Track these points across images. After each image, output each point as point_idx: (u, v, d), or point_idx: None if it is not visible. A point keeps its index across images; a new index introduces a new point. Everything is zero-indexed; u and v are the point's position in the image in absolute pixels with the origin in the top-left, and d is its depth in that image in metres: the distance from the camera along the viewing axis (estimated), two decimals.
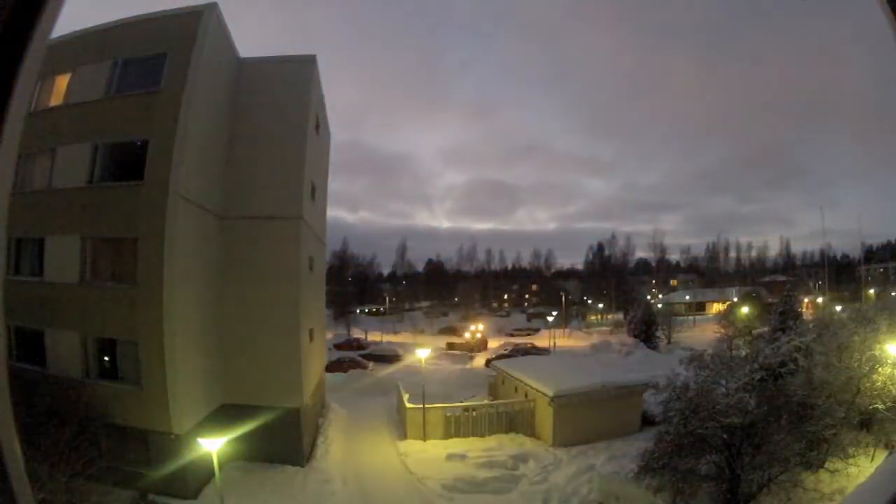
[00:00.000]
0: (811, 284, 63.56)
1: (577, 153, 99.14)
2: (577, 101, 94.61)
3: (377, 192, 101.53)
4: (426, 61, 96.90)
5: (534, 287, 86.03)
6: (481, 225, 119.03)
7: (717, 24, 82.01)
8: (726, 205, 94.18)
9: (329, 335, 35.36)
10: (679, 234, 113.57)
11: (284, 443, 15.68)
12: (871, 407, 13.84)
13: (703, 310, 61.47)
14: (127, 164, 13.65)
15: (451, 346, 42.97)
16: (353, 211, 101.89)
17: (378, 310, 69.43)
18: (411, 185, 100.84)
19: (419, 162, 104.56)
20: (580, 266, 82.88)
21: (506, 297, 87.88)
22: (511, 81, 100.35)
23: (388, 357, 36.23)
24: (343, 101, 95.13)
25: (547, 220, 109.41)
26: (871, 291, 50.57)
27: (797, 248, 74.51)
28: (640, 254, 77.73)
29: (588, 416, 18.23)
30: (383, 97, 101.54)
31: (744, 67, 79.30)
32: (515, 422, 19.11)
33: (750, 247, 78.60)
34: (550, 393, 17.98)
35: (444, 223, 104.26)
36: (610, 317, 60.34)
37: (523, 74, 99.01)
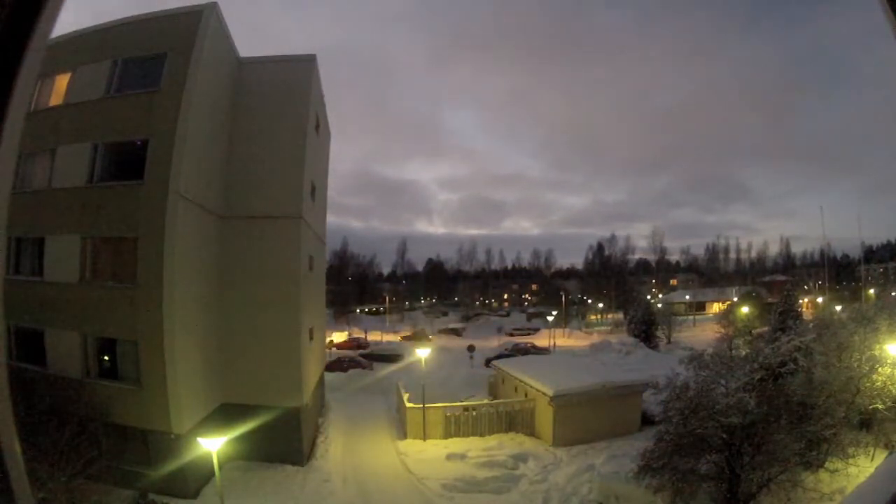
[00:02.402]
0: (811, 284, 63.58)
1: (551, 178, 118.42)
2: (546, 143, 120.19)
3: (383, 206, 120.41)
4: (427, 115, 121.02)
5: (534, 287, 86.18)
6: (474, 231, 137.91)
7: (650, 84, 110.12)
8: (689, 215, 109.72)
9: (330, 336, 35.35)
10: (652, 236, 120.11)
11: (284, 442, 15.69)
12: (871, 407, 13.82)
13: (703, 309, 61.58)
14: (127, 163, 13.64)
15: None
16: (363, 220, 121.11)
17: (378, 309, 69.45)
18: (411, 201, 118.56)
19: (419, 185, 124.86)
20: (580, 266, 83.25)
21: (506, 296, 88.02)
22: (493, 130, 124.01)
23: (388, 357, 36.21)
24: (358, 144, 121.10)
25: (531, 227, 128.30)
26: (871, 291, 50.61)
27: (770, 250, 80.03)
28: (640, 254, 78.16)
29: (588, 415, 18.24)
30: (393, 143, 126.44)
31: (675, 117, 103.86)
32: (515, 421, 19.13)
33: (750, 247, 79.00)
34: (550, 392, 17.98)
35: (440, 229, 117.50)
36: (610, 316, 60.37)
37: (501, 125, 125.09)
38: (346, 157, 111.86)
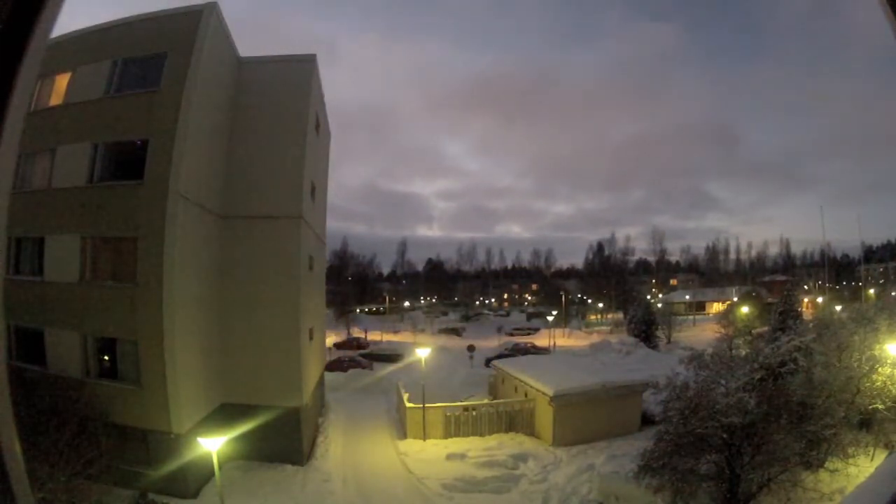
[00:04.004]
0: (811, 284, 63.58)
1: (538, 190, 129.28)
2: (530, 165, 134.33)
3: (385, 214, 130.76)
4: (427, 144, 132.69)
5: (533, 287, 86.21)
6: (470, 234, 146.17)
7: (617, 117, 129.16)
8: (669, 222, 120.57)
9: (330, 336, 35.32)
10: (636, 240, 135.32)
11: (284, 442, 15.69)
12: (870, 407, 13.83)
13: (703, 309, 61.61)
14: (127, 163, 13.64)
15: None
16: (367, 225, 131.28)
17: (378, 309, 69.40)
18: (412, 209, 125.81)
19: (420, 197, 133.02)
20: (580, 266, 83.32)
21: (505, 296, 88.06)
22: (484, 155, 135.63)
23: (388, 356, 36.21)
24: (365, 167, 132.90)
25: (522, 231, 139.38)
26: (871, 291, 50.63)
27: (770, 250, 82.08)
28: (640, 255, 78.21)
29: (588, 415, 18.24)
30: (397, 165, 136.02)
31: (640, 144, 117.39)
32: (515, 421, 19.13)
33: (750, 247, 79.11)
34: (550, 392, 17.98)
35: (438, 233, 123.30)
36: (610, 316, 60.32)
37: (491, 151, 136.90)
38: (353, 175, 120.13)
